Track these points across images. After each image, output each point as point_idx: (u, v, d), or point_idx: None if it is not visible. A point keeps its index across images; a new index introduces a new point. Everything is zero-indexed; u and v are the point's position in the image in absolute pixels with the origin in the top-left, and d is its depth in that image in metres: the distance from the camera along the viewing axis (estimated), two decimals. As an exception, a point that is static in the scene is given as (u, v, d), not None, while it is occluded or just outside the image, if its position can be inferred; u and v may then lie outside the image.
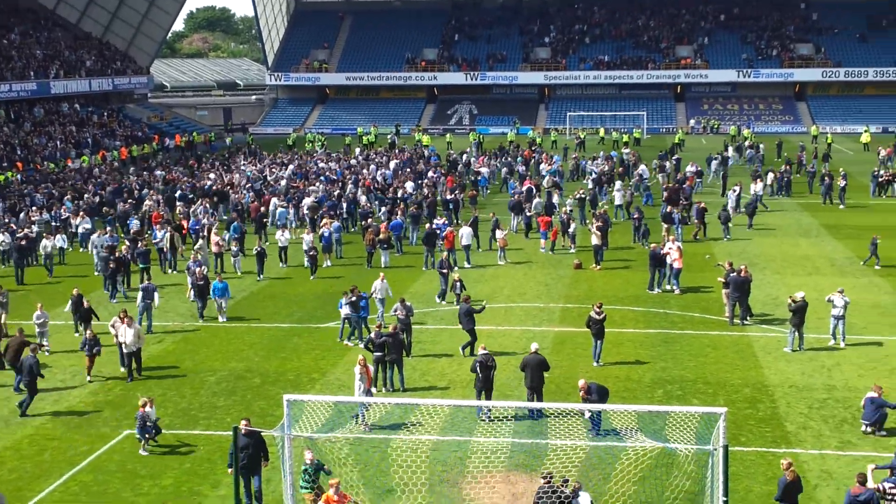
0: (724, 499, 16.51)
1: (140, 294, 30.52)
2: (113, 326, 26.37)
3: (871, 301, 32.23)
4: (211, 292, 31.58)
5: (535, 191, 49.33)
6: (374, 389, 24.47)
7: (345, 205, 47.33)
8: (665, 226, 41.22)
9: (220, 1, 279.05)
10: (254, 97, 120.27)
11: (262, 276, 37.23)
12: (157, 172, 62.56)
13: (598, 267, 37.81)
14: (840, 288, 28.33)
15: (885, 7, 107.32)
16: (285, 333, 30.04)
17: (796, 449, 20.60)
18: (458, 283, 31.38)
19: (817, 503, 18.33)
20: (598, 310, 26.38)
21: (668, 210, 42.62)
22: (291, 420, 18.01)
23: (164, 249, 39.66)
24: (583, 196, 47.46)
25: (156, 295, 30.62)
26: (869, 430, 20.61)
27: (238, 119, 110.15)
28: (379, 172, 58.84)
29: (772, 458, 20.01)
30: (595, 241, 38.20)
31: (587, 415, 21.22)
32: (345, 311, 28.53)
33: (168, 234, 39.72)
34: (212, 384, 25.75)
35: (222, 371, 26.74)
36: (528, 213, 45.32)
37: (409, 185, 52.44)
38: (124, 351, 26.05)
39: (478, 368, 22.85)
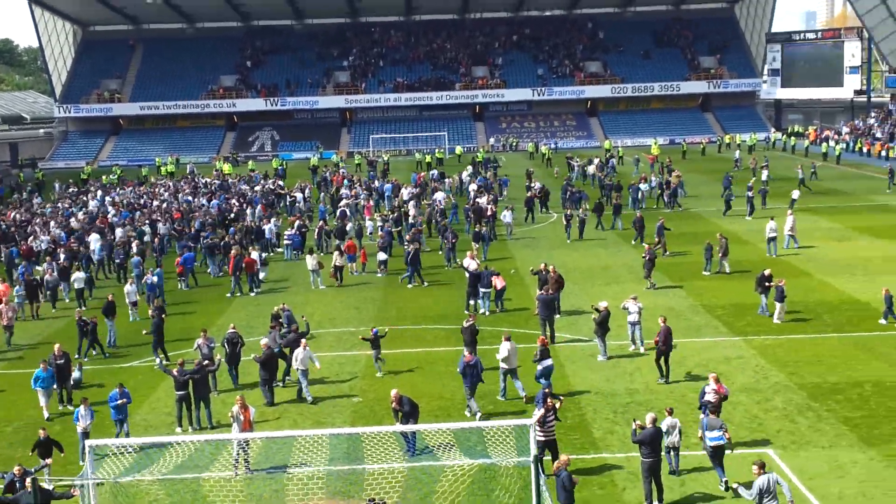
0: (538, 509, 16.86)
1: None
2: None
3: (666, 306, 33.66)
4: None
5: (347, 214, 49.75)
6: (179, 429, 23.73)
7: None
8: (475, 244, 41.69)
9: (1, 32, 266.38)
10: (42, 131, 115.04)
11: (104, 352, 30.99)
12: None
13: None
14: (634, 295, 29.52)
15: (668, 25, 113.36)
16: (87, 375, 28.57)
17: (604, 453, 21.26)
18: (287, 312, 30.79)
19: (626, 504, 18.98)
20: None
21: (477, 228, 43.79)
22: (94, 466, 17.24)
23: None
24: (392, 217, 48.10)
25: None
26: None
27: (27, 154, 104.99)
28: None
29: (581, 464, 20.54)
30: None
31: (398, 427, 21.31)
32: (83, 424, 22.25)
33: None
34: (8, 434, 24.31)
35: (18, 420, 25.28)
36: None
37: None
38: None
39: (226, 344, 26.76)
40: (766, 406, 23.91)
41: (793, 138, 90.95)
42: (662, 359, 25.90)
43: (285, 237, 46.22)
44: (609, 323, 28.04)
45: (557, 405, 21.08)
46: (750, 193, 52.36)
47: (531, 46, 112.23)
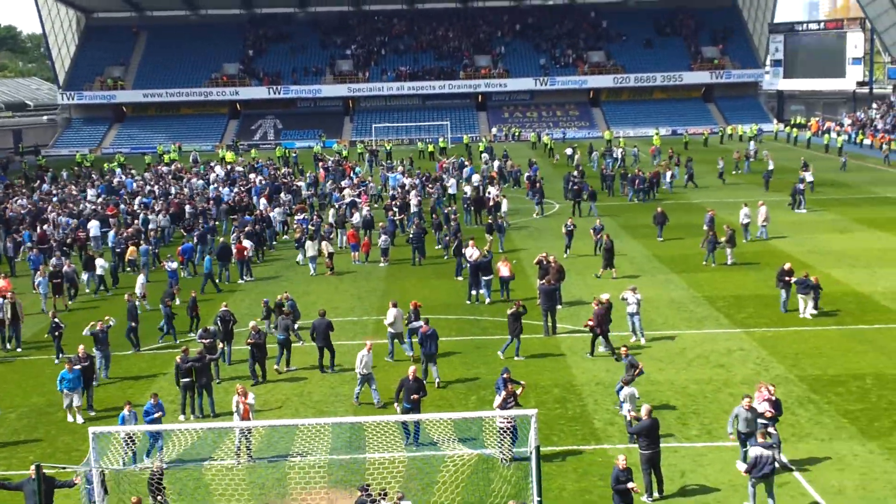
0: (539, 499, 16.94)
1: None
2: None
3: (667, 297, 33.78)
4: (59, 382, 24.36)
5: (358, 204, 49.76)
6: (182, 417, 23.83)
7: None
8: (488, 236, 41.63)
9: (5, 18, 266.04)
10: (45, 117, 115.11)
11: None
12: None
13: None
14: (632, 286, 29.57)
15: (670, 14, 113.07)
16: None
17: (605, 444, 21.33)
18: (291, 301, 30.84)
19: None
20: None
21: (490, 220, 43.86)
22: (98, 454, 17.32)
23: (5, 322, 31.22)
24: (396, 205, 48.33)
25: None
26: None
27: (30, 141, 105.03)
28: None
29: (582, 456, 20.64)
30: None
31: (400, 416, 21.50)
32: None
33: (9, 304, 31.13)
34: (12, 421, 24.44)
35: (23, 407, 25.42)
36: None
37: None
38: None
39: (219, 322, 27.75)
40: (767, 398, 23.95)
41: (795, 130, 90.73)
42: (597, 338, 27.52)
43: (295, 222, 46.41)
44: (610, 314, 28.09)
45: (518, 391, 21.24)
46: (801, 186, 51.92)
47: (534, 36, 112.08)
